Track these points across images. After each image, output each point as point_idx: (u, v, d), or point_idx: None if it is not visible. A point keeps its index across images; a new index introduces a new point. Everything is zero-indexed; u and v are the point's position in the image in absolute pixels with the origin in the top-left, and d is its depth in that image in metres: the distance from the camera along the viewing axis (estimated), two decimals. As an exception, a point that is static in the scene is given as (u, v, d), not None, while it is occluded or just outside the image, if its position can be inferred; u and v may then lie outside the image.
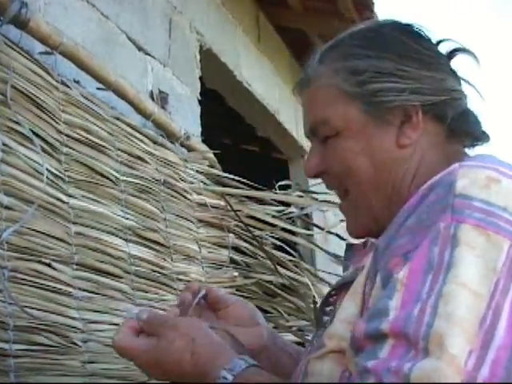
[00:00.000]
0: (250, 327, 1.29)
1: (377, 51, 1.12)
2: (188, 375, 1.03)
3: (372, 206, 1.12)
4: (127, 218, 2.08)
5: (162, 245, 2.23)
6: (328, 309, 1.14)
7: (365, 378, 0.82)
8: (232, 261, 2.69)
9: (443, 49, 1.18)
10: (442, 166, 0.98)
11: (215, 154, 2.89)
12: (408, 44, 1.13)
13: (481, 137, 1.18)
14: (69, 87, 1.99)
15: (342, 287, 1.09)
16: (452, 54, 1.18)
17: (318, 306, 1.22)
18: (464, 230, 0.86)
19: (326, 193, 3.63)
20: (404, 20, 1.20)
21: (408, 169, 1.11)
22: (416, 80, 1.10)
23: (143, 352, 1.06)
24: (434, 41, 1.18)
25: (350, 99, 1.12)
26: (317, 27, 4.54)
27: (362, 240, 1.24)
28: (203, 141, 2.97)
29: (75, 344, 1.69)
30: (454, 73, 1.16)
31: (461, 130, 1.14)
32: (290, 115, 4.72)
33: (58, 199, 1.79)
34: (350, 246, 1.25)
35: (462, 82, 1.18)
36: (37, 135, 1.76)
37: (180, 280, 2.28)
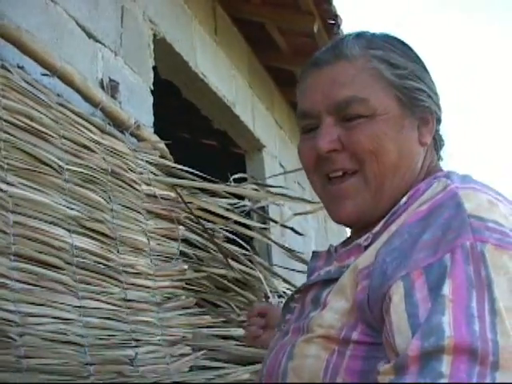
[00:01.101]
0: None
1: (410, 57, 1.21)
2: None
3: (384, 189, 1.17)
4: (71, 208, 2.01)
5: (107, 236, 2.16)
6: (297, 296, 1.24)
7: None
8: (182, 253, 2.63)
9: None
10: (429, 172, 1.19)
11: (171, 147, 2.83)
12: (423, 62, 1.25)
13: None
14: (10, 72, 1.92)
15: (318, 283, 1.17)
16: None
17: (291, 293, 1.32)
18: (489, 250, 0.93)
19: (281, 186, 3.60)
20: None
21: (419, 166, 1.20)
22: (435, 94, 1.23)
23: None
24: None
25: (389, 86, 1.17)
26: (275, 20, 4.50)
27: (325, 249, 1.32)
28: (160, 134, 2.91)
29: (10, 338, 1.62)
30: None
31: (438, 144, 1.28)
32: (247, 108, 4.67)
33: (-5, 187, 1.72)
34: (316, 253, 1.32)
35: None
36: (-27, 120, 1.69)
37: (126, 272, 2.22)
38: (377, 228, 1.11)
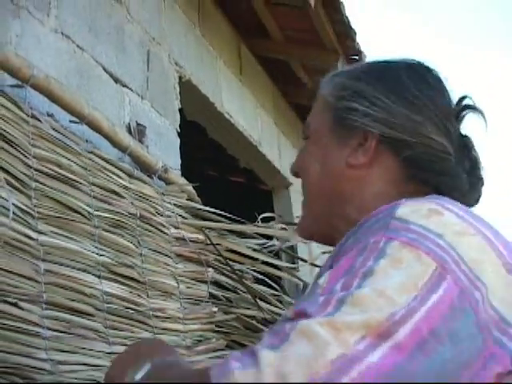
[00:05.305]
0: None
1: (369, 77, 1.17)
2: None
3: (313, 209, 1.20)
4: (101, 254, 2.02)
5: (137, 281, 2.17)
6: None
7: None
8: (212, 296, 2.63)
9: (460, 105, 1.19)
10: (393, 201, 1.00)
11: (199, 186, 2.85)
12: (401, 79, 1.16)
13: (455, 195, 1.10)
14: (39, 121, 1.95)
15: None
16: (462, 111, 1.19)
17: None
18: (394, 246, 0.87)
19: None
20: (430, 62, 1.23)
21: (354, 190, 1.14)
22: (385, 111, 1.12)
23: None
24: (444, 92, 1.18)
25: (327, 109, 1.20)
26: (299, 57, 4.54)
27: None
28: (186, 173, 2.92)
29: (41, 386, 1.62)
30: (445, 126, 1.14)
31: (426, 177, 1.12)
32: (273, 146, 4.69)
33: (26, 236, 1.73)
34: None
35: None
36: (4, 170, 1.71)
37: (156, 317, 2.22)
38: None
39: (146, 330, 2.14)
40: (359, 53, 4.35)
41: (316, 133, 1.21)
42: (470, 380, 0.80)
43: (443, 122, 1.14)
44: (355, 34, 4.16)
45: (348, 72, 1.23)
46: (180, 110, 3.24)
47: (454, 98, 1.19)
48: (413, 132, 1.11)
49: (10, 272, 1.63)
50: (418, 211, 0.93)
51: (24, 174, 1.80)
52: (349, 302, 0.81)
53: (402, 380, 0.76)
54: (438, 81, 1.19)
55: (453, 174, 1.12)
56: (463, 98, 1.19)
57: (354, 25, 4.06)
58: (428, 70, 1.20)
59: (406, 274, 0.83)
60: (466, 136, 1.18)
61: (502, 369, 0.83)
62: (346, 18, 3.96)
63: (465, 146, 1.17)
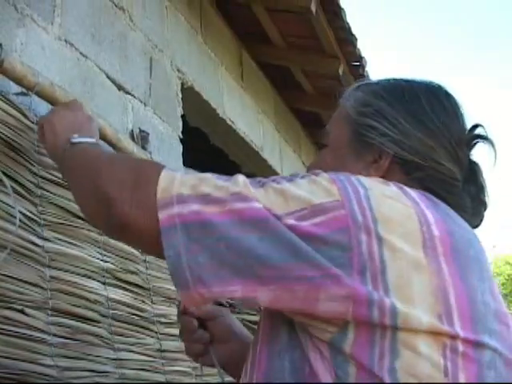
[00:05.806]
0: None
1: (392, 97, 1.22)
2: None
3: None
4: (105, 261, 2.03)
5: (141, 287, 2.18)
6: None
7: None
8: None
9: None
10: None
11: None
12: (421, 104, 1.21)
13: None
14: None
15: None
16: (473, 139, 1.24)
17: None
18: (323, 177, 1.03)
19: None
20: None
21: None
22: (402, 133, 1.18)
23: None
24: (459, 118, 1.23)
25: (347, 122, 1.25)
26: (300, 63, 4.55)
27: None
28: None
29: (48, 393, 1.63)
30: (456, 153, 1.19)
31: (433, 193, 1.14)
32: (275, 152, 4.70)
33: (32, 243, 1.74)
34: None
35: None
36: (11, 177, 1.72)
37: (160, 322, 2.23)
38: None
39: (151, 336, 2.15)
40: (360, 58, 4.36)
41: (334, 142, 1.27)
42: (314, 283, 0.95)
43: (455, 148, 1.19)
44: (356, 39, 4.17)
45: (371, 87, 1.27)
46: (182, 117, 3.25)
47: (469, 124, 1.23)
48: (425, 156, 1.17)
49: (16, 279, 1.64)
50: (370, 179, 1.06)
51: (29, 181, 1.81)
52: (264, 187, 1.03)
53: (268, 225, 0.97)
54: (455, 107, 1.23)
55: (458, 196, 1.18)
56: (476, 126, 1.23)
57: (354, 30, 4.08)
58: (446, 94, 1.24)
59: (311, 191, 1.00)
60: (475, 162, 1.23)
61: (353, 300, 0.93)
62: (347, 24, 3.98)
63: (473, 172, 1.22)
